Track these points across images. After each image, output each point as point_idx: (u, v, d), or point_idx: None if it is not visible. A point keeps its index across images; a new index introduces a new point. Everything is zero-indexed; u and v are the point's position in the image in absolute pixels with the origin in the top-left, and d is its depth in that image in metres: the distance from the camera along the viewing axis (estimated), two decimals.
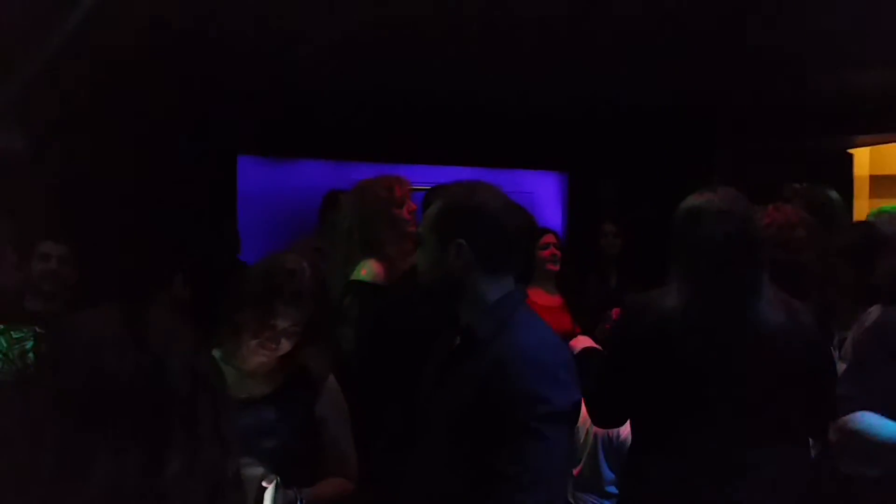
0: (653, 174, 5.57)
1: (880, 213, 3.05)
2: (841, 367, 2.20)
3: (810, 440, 2.14)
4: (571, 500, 2.86)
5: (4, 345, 2.02)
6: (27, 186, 3.60)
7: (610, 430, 2.79)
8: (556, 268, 3.82)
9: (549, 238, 3.91)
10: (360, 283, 2.48)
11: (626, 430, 2.52)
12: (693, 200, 1.99)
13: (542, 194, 5.97)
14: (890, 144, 6.50)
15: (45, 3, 3.36)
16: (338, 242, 2.68)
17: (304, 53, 4.36)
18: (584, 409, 1.88)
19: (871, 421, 1.85)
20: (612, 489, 2.84)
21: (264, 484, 1.73)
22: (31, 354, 2.01)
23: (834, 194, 3.75)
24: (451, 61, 4.65)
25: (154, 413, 0.89)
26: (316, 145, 5.06)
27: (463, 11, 4.46)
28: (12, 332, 2.05)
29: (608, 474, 2.85)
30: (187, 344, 0.96)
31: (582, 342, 2.52)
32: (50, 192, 3.69)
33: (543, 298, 3.67)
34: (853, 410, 1.87)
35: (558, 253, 3.86)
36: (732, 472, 1.87)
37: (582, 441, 2.88)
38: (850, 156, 6.30)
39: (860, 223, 3.39)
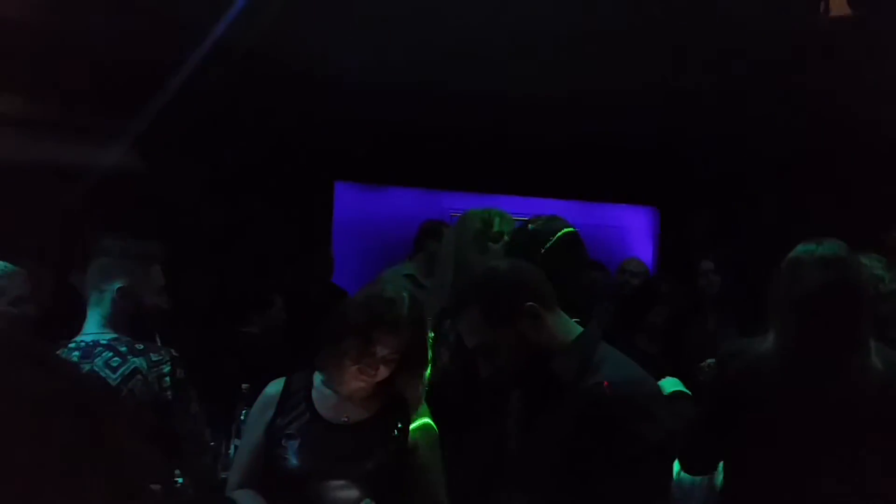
0: (747, 210, 5.44)
1: None
2: None
3: None
4: None
5: (145, 367, 2.06)
6: (142, 207, 3.83)
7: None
8: None
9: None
10: None
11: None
12: (796, 250, 1.97)
13: (634, 229, 5.90)
14: None
15: (161, 36, 3.61)
16: (437, 270, 2.72)
17: (400, 83, 4.51)
18: None
19: None
20: None
21: None
22: (167, 379, 2.06)
23: None
24: (545, 94, 4.70)
25: None
26: (412, 174, 5.18)
27: (555, 44, 4.52)
28: (151, 355, 2.09)
29: None
30: None
31: (671, 385, 2.47)
32: (159, 215, 3.91)
33: None
34: None
35: None
36: None
37: None
38: None
39: None
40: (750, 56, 4.60)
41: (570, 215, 5.85)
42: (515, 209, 5.45)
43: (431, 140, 4.92)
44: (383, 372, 1.86)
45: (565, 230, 2.29)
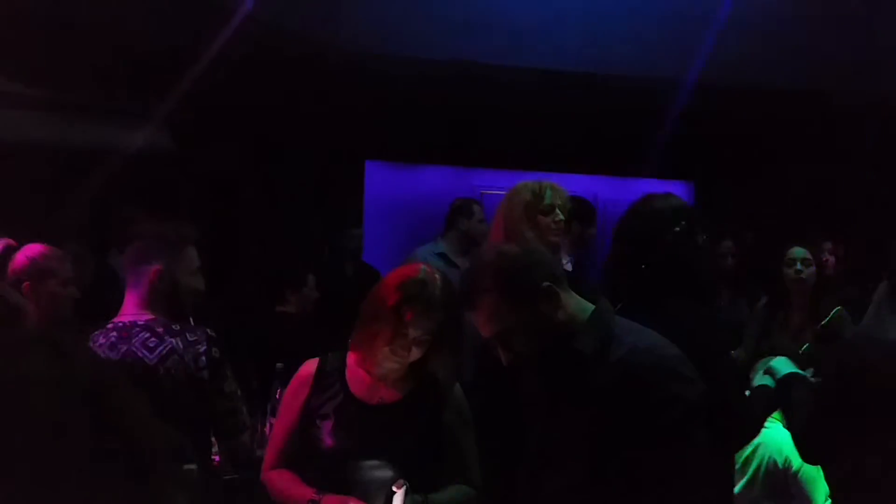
0: (784, 185, 5.33)
1: None
2: None
3: None
4: None
5: (181, 347, 2.08)
6: (177, 189, 3.88)
7: (776, 457, 2.69)
8: None
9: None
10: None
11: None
12: None
13: None
14: None
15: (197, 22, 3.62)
16: (488, 239, 2.68)
17: (431, 60, 4.48)
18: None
19: None
20: None
21: (394, 488, 1.81)
22: (203, 358, 2.08)
23: None
24: (579, 70, 4.64)
25: None
26: (443, 152, 5.16)
27: (588, 20, 4.44)
28: (188, 335, 2.10)
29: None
30: None
31: (783, 365, 2.29)
32: (195, 196, 3.95)
33: None
34: None
35: None
36: None
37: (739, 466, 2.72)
38: None
39: None
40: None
41: (604, 190, 5.81)
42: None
43: (462, 117, 4.89)
44: (416, 353, 1.86)
45: (689, 211, 2.15)
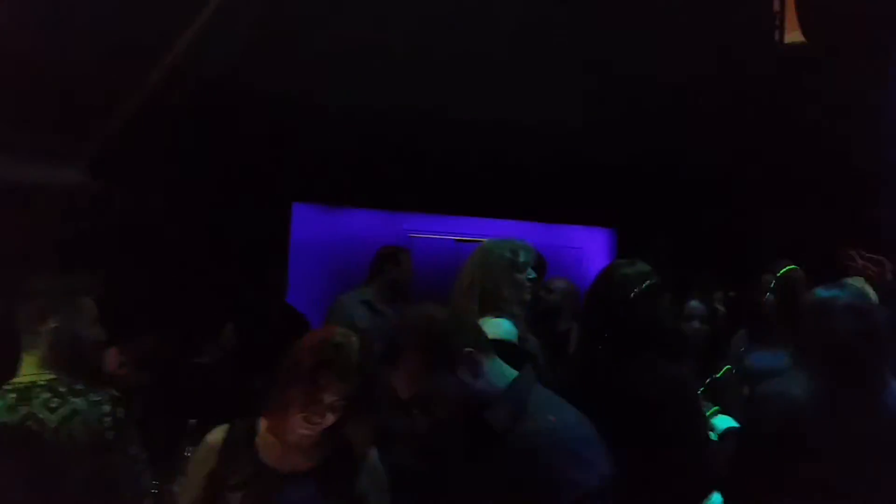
0: (703, 232, 5.51)
1: None
2: None
3: None
4: None
5: (84, 407, 2.00)
6: (90, 234, 3.73)
7: None
8: None
9: None
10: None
11: None
12: (821, 294, 2.10)
13: (591, 250, 5.94)
14: None
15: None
16: (454, 296, 2.67)
17: (358, 105, 4.48)
18: None
19: None
20: None
21: None
22: (107, 419, 2.01)
23: None
24: (505, 116, 4.71)
25: None
26: (371, 195, 5.14)
27: (511, 68, 4.54)
28: (91, 395, 2.04)
29: None
30: None
31: (723, 422, 2.51)
32: (109, 238, 3.81)
33: None
34: None
35: None
36: None
37: None
38: None
39: None
40: (709, 80, 4.69)
41: (529, 236, 5.87)
42: (475, 231, 5.47)
43: (390, 161, 4.89)
44: (330, 419, 1.81)
45: (651, 277, 2.31)
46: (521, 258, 2.64)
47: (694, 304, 3.59)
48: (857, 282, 2.86)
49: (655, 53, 4.72)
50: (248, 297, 4.09)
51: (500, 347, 1.75)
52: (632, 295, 2.20)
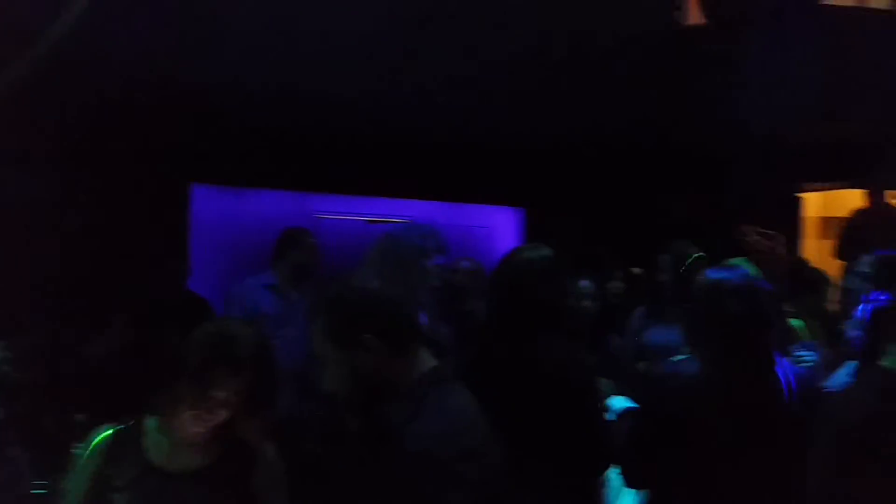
0: (609, 212, 5.63)
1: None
2: None
3: None
4: None
5: None
6: None
7: None
8: None
9: None
10: None
11: None
12: (709, 278, 2.13)
13: (500, 229, 5.97)
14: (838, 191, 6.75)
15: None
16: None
17: (261, 84, 4.33)
18: None
19: None
20: None
21: None
22: None
23: None
24: (411, 95, 4.66)
25: None
26: (276, 175, 4.99)
27: (423, 46, 4.50)
28: None
29: None
30: None
31: (620, 402, 2.54)
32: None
33: None
34: None
35: None
36: None
37: None
38: (800, 199, 6.48)
39: None
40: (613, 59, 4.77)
41: (438, 216, 5.88)
42: (385, 211, 5.41)
43: (296, 141, 4.76)
44: (223, 415, 1.74)
45: (552, 260, 2.34)
46: (428, 244, 2.60)
47: (584, 283, 3.67)
48: (741, 261, 2.97)
49: (565, 34, 4.77)
50: (145, 285, 3.91)
51: None
52: (532, 278, 2.23)
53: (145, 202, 4.41)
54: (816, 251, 7.04)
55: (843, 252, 5.83)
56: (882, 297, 2.24)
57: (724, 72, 5.09)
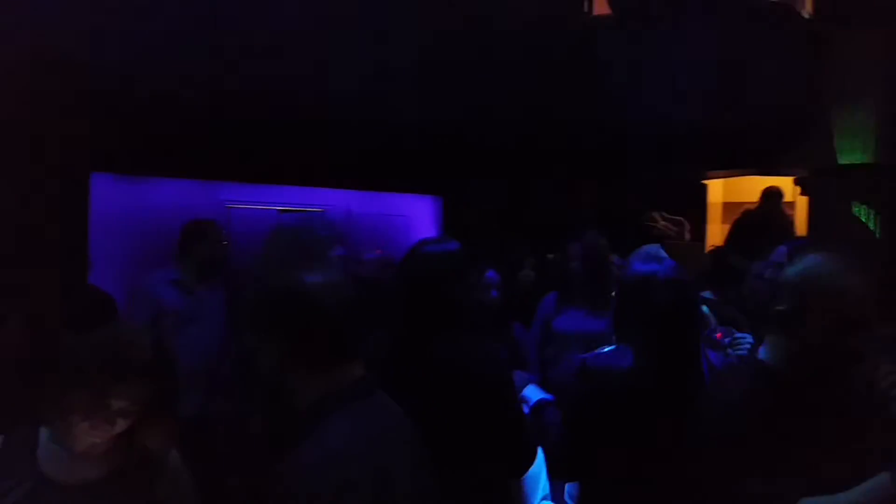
0: (523, 200, 5.70)
1: None
2: None
3: None
4: None
5: None
6: None
7: None
8: None
9: None
10: None
11: None
12: (637, 270, 2.14)
13: (417, 218, 5.96)
14: (739, 178, 7.04)
15: None
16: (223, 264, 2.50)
17: (172, 65, 4.14)
18: None
19: None
20: None
21: None
22: None
23: None
24: (328, 81, 4.56)
25: None
26: (181, 163, 4.80)
27: (335, 33, 4.40)
28: None
29: None
30: None
31: (533, 393, 2.46)
32: None
33: None
34: None
35: None
36: None
37: None
38: (704, 186, 6.74)
39: None
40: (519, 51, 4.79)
41: (355, 205, 5.80)
42: (299, 200, 5.29)
43: (204, 127, 4.58)
44: (121, 424, 1.66)
45: (455, 254, 2.29)
46: (330, 235, 2.53)
47: (491, 274, 3.71)
48: (653, 248, 3.02)
49: (476, 22, 4.76)
50: (41, 281, 3.69)
51: None
52: (433, 274, 2.18)
53: (41, 193, 4.16)
54: (720, 236, 7.36)
55: (739, 243, 6.09)
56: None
57: (628, 61, 5.20)
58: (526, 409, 2.36)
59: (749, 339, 2.58)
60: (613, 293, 3.64)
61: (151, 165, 4.75)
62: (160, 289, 3.59)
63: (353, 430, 1.46)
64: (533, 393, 2.41)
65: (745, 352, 2.47)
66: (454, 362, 2.07)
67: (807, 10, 5.99)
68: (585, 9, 5.61)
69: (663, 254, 2.24)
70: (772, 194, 6.28)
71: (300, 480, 1.36)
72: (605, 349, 2.44)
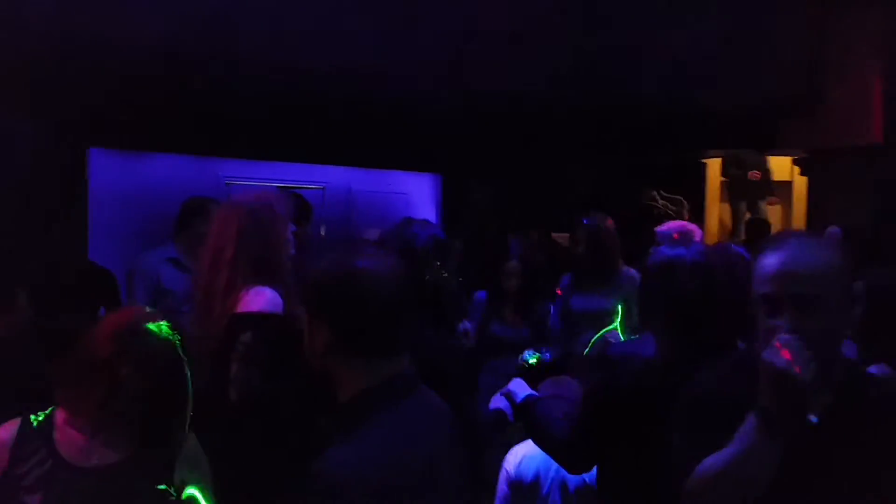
0: (523, 179, 5.69)
1: None
2: None
3: None
4: None
5: None
6: None
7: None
8: None
9: None
10: (264, 315, 2.20)
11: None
12: (664, 255, 1.98)
13: (418, 195, 5.95)
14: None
15: None
16: (210, 270, 2.34)
17: (171, 41, 4.09)
18: None
19: None
20: None
21: None
22: None
23: None
24: (330, 61, 4.52)
25: None
26: (180, 139, 4.76)
27: (337, 10, 4.35)
28: None
29: None
30: None
31: (521, 388, 2.28)
32: None
33: None
34: None
35: None
36: None
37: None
38: (704, 165, 6.74)
39: None
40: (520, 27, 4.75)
41: (356, 181, 5.76)
42: (299, 177, 5.28)
43: (204, 102, 4.54)
44: (136, 409, 1.65)
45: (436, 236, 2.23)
46: (278, 211, 2.36)
47: (512, 263, 3.76)
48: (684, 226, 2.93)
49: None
50: (43, 257, 3.66)
51: None
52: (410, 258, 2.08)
53: (40, 168, 4.12)
54: (724, 215, 7.39)
55: None
56: None
57: (629, 39, 5.16)
58: (507, 404, 2.22)
59: None
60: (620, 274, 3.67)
61: (150, 140, 4.71)
62: (159, 267, 3.54)
63: (398, 434, 1.38)
64: (520, 388, 2.25)
65: None
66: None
67: None
68: None
69: (696, 236, 2.07)
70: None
71: (340, 483, 1.28)
72: (634, 338, 2.29)
